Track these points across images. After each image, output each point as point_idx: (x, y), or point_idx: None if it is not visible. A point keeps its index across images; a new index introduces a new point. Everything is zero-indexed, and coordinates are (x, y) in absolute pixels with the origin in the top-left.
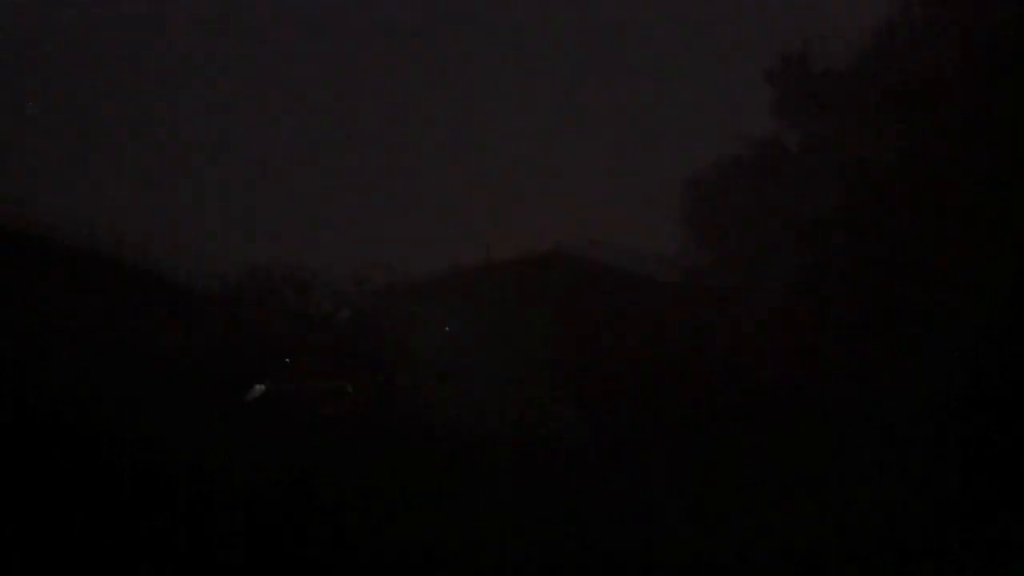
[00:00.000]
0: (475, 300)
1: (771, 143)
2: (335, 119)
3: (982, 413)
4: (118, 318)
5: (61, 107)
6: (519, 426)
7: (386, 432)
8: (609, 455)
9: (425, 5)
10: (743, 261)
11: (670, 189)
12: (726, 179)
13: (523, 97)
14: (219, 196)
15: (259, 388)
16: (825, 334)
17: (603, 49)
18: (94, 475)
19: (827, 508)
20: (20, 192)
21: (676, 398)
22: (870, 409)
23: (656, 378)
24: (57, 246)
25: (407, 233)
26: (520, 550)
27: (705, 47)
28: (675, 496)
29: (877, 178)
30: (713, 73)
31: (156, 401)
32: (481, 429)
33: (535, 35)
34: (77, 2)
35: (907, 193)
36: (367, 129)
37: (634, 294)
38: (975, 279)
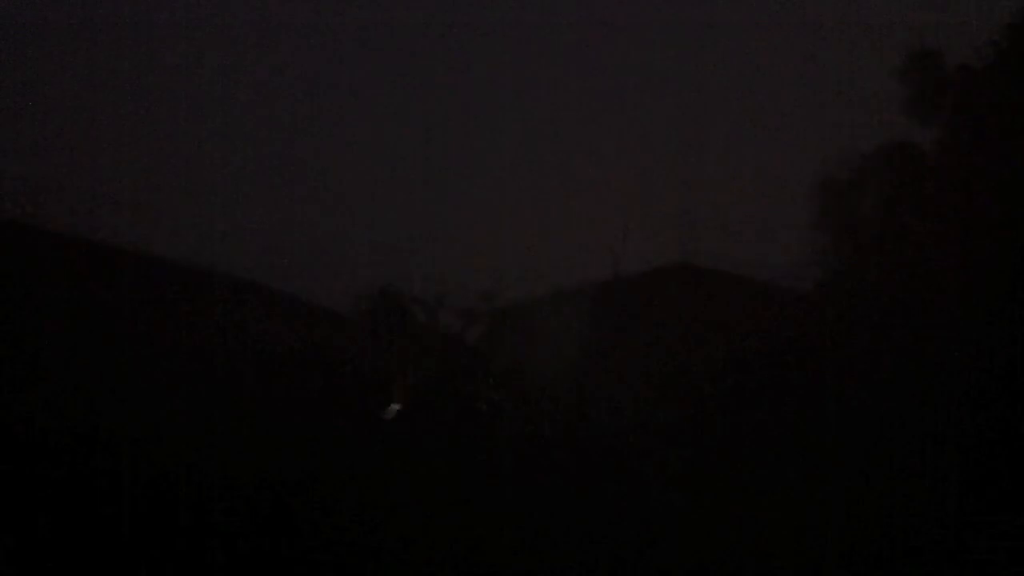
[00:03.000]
0: (599, 316)
1: (901, 145)
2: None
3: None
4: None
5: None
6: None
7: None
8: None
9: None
10: (878, 267)
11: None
12: (858, 181)
13: (622, 103)
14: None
15: (394, 408)
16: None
17: (718, 49)
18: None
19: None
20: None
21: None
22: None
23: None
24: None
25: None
26: None
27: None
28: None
29: None
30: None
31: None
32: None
33: (650, 34)
34: None
35: None
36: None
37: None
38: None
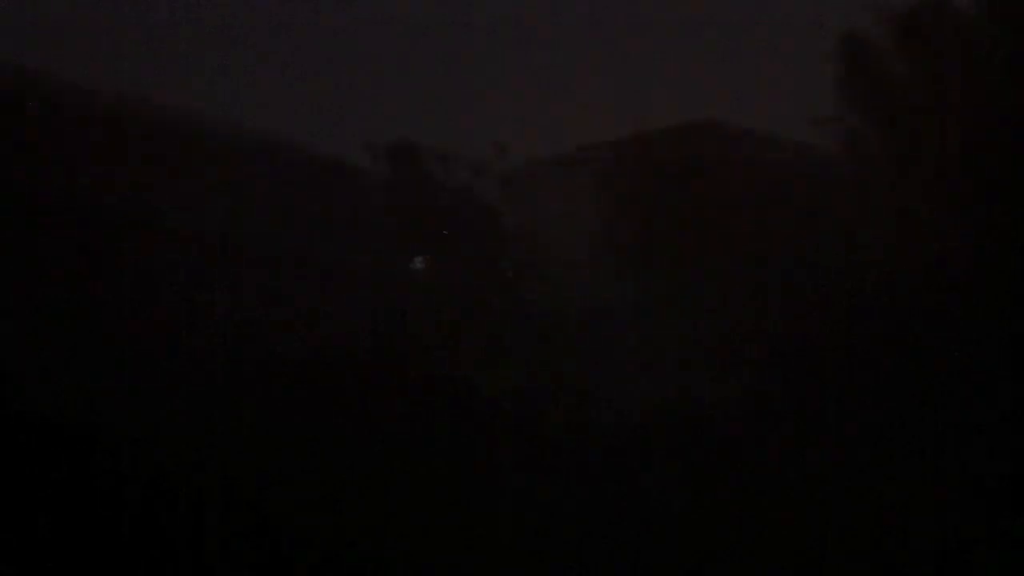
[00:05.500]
0: (614, 177)
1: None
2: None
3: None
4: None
5: None
6: None
7: None
8: None
9: None
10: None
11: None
12: (893, 40)
13: None
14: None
15: (420, 260)
16: None
17: None
18: None
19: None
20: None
21: None
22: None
23: None
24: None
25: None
26: None
27: None
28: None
29: None
30: None
31: None
32: None
33: None
34: None
35: None
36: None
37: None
38: None
